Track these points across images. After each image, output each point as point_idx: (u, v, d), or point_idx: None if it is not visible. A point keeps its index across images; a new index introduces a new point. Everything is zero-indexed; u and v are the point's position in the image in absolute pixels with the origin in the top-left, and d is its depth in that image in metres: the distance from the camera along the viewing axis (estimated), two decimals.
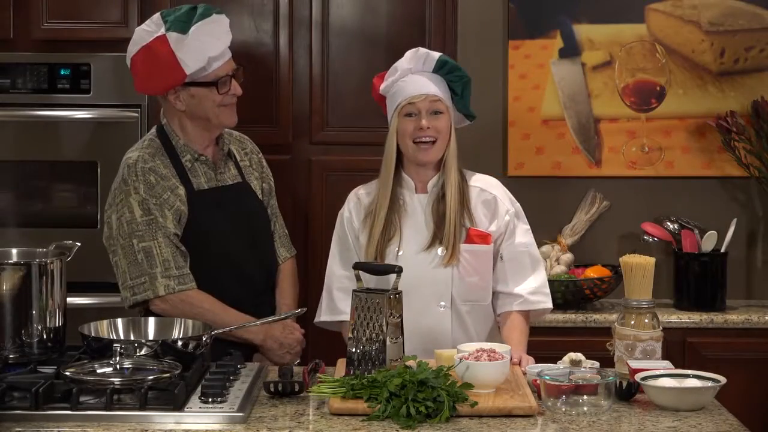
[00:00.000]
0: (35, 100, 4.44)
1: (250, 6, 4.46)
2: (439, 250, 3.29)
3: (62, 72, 4.44)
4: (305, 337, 3.53)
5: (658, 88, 4.67)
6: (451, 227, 3.28)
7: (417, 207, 3.35)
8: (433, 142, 3.29)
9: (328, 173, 4.51)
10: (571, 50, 4.67)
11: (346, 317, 3.25)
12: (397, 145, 3.33)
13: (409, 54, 3.37)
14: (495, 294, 3.38)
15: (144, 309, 3.39)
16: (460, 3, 4.57)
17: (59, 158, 4.46)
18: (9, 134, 4.44)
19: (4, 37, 4.43)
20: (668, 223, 4.57)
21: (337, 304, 3.36)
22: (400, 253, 3.31)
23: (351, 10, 4.52)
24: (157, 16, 3.40)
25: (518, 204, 3.42)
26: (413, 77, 3.33)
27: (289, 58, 4.48)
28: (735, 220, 4.51)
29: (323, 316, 3.40)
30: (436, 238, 3.30)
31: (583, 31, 4.67)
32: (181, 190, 3.39)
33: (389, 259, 3.30)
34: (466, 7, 4.60)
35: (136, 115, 4.42)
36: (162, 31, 3.35)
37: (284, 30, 4.47)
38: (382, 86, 3.39)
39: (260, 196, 3.57)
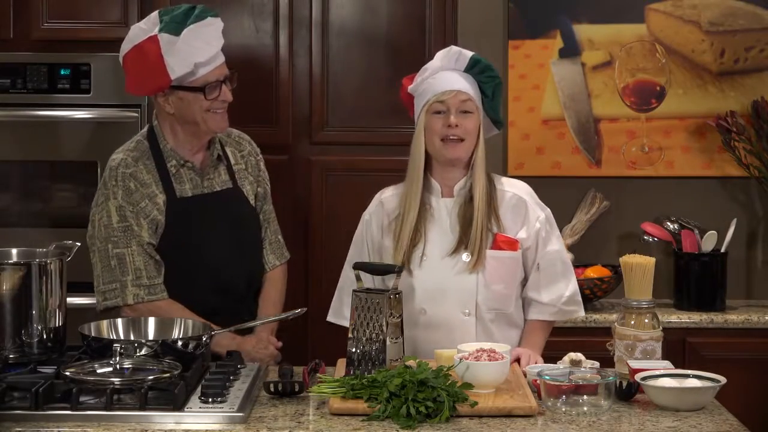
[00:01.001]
0: (35, 100, 4.44)
1: (250, 6, 4.46)
2: (464, 256, 3.23)
3: (62, 72, 4.45)
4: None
5: (658, 88, 4.67)
6: (477, 232, 3.21)
7: (443, 211, 3.29)
8: (462, 140, 3.23)
9: (328, 173, 4.51)
10: (571, 50, 4.67)
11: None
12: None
13: (441, 53, 3.31)
14: (526, 300, 3.34)
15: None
16: (460, 3, 4.57)
17: (59, 158, 4.46)
18: (9, 134, 4.44)
19: (4, 37, 4.44)
20: (668, 223, 4.57)
21: (342, 309, 3.33)
22: (424, 259, 3.26)
23: (351, 10, 4.52)
24: (155, 14, 3.36)
25: (548, 209, 3.37)
26: (443, 74, 3.27)
27: (289, 58, 4.48)
28: (735, 220, 4.51)
29: (330, 316, 3.39)
30: (462, 243, 3.24)
31: (583, 31, 4.67)
32: (161, 198, 3.35)
33: (414, 265, 3.25)
34: (466, 7, 4.60)
35: (136, 115, 4.42)
36: (155, 30, 3.30)
37: (284, 30, 4.47)
38: (411, 86, 3.32)
39: (252, 201, 3.52)
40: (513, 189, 3.34)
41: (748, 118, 4.59)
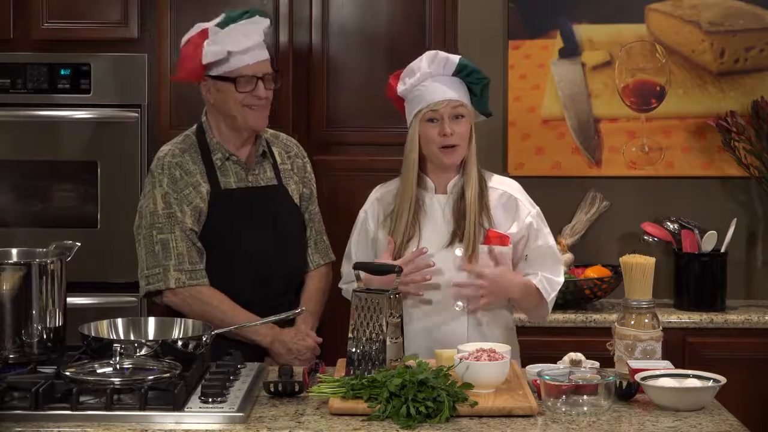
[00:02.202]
0: (35, 100, 4.45)
1: (250, 6, 4.45)
2: (458, 250, 3.28)
3: (62, 72, 4.45)
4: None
5: (658, 88, 4.67)
6: (470, 226, 3.27)
7: (436, 208, 3.34)
8: (456, 146, 3.29)
9: (328, 173, 4.51)
10: (571, 50, 4.67)
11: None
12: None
13: (427, 57, 3.34)
14: None
15: (164, 304, 3.44)
16: (460, 3, 4.57)
17: (59, 158, 4.46)
18: (9, 134, 4.45)
19: (4, 37, 4.44)
20: (668, 223, 4.57)
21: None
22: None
23: (351, 10, 4.52)
24: (220, 15, 3.49)
25: (537, 207, 3.41)
26: (433, 83, 3.31)
27: (290, 59, 4.48)
28: (735, 220, 4.51)
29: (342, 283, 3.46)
30: (456, 236, 3.30)
31: (583, 31, 4.67)
32: (204, 188, 3.42)
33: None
34: (466, 7, 4.60)
35: (136, 115, 4.43)
36: (207, 25, 3.43)
37: (284, 30, 4.47)
38: (401, 88, 3.37)
39: (297, 201, 3.56)
40: (503, 186, 3.40)
41: (748, 118, 4.59)
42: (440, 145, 3.29)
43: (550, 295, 3.34)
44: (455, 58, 3.34)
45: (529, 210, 3.36)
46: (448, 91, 3.30)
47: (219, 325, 3.20)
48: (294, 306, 3.45)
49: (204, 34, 3.40)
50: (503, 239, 3.30)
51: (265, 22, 3.48)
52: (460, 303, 3.29)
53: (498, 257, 3.29)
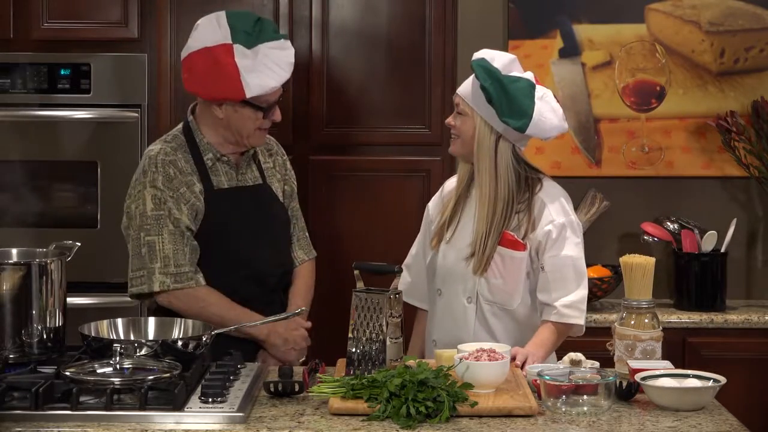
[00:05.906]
0: (35, 100, 4.45)
1: (250, 6, 4.46)
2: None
3: (62, 72, 4.45)
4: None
5: (658, 88, 4.67)
6: (478, 234, 3.30)
7: (475, 200, 3.38)
8: (454, 138, 3.37)
9: (328, 173, 4.51)
10: (571, 50, 4.67)
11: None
12: None
13: None
14: (539, 303, 3.34)
15: (155, 303, 3.40)
16: (460, 3, 4.57)
17: (59, 158, 4.46)
18: (9, 134, 4.45)
19: (4, 37, 4.44)
20: (668, 223, 4.57)
21: (411, 290, 3.46)
22: (451, 240, 3.36)
23: (351, 10, 4.52)
24: (222, 18, 3.38)
25: (574, 217, 3.36)
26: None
27: None
28: (735, 220, 4.51)
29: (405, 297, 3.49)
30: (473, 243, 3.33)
31: (583, 31, 4.67)
32: (198, 187, 3.39)
33: (442, 243, 3.36)
34: (466, 7, 4.60)
35: (136, 115, 4.43)
36: (228, 39, 3.34)
37: (284, 30, 4.47)
38: None
39: (281, 198, 3.56)
40: (543, 194, 3.37)
41: (748, 118, 4.59)
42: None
43: (577, 319, 3.28)
44: (474, 57, 3.36)
45: (552, 219, 3.31)
46: (462, 87, 3.37)
47: (218, 323, 3.20)
48: (285, 302, 3.49)
49: (229, 54, 3.32)
50: (515, 244, 3.29)
51: (292, 49, 3.42)
52: (469, 297, 3.32)
53: (508, 262, 3.29)
